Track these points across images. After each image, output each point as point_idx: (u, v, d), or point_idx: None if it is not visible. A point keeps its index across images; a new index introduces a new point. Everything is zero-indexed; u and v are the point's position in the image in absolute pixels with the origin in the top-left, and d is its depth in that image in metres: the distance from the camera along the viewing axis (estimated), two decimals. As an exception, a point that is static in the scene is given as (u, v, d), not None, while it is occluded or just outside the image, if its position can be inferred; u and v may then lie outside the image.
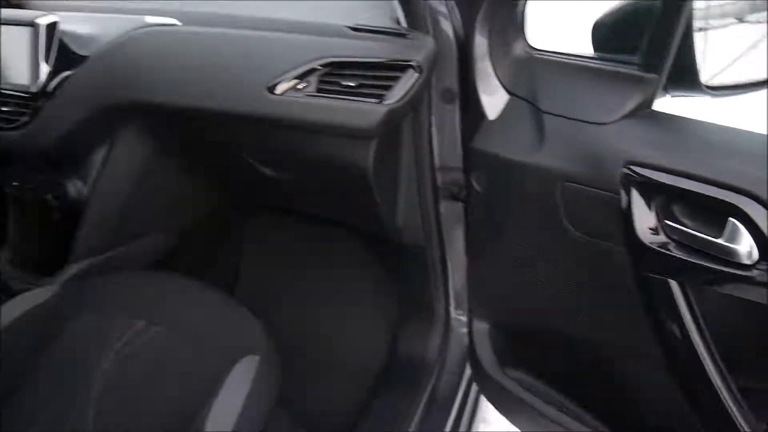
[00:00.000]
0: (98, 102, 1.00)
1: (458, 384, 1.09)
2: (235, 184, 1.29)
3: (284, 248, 1.49)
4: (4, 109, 1.03)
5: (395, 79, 0.81)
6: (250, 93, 0.88)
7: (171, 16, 0.98)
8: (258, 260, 1.50)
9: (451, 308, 1.08)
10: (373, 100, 0.81)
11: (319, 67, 0.83)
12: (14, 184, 1.18)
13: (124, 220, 1.14)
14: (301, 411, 1.17)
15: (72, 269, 1.12)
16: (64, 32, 0.98)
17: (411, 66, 0.81)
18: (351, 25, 0.87)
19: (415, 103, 0.87)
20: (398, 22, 0.88)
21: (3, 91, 1.03)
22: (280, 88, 0.86)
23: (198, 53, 0.94)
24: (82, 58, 0.99)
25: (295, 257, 1.47)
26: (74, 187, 1.09)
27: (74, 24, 1.00)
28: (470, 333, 1.07)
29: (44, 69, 0.98)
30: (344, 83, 0.83)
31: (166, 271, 1.07)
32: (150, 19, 0.98)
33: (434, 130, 0.93)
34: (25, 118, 1.02)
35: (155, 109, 0.99)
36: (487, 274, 1.01)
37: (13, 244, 1.25)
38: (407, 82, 0.81)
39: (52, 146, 1.04)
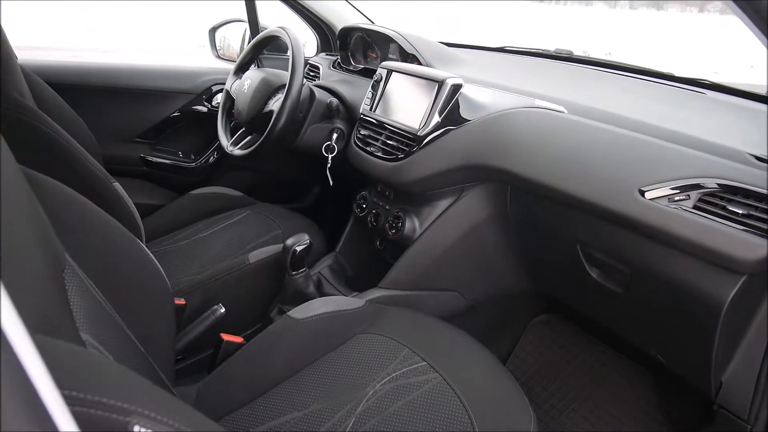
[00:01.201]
0: (465, 159, 1.10)
1: None
2: (546, 275, 1.27)
3: (561, 356, 1.42)
4: (389, 143, 1.21)
5: None
6: (619, 190, 0.86)
7: (560, 104, 1.03)
8: (529, 358, 1.45)
9: None
10: (761, 234, 0.72)
11: (710, 186, 0.77)
12: (363, 206, 1.36)
13: (436, 268, 1.21)
14: None
15: (378, 293, 1.22)
16: (462, 94, 1.12)
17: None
18: (755, 153, 0.78)
19: None
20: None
21: (392, 127, 1.22)
22: (652, 194, 0.82)
23: (575, 140, 0.96)
24: (465, 121, 1.11)
25: (571, 369, 1.38)
26: (411, 224, 1.21)
27: (473, 90, 1.13)
28: None
29: (435, 120, 1.12)
30: (731, 209, 0.75)
31: (455, 327, 1.08)
32: (540, 103, 1.05)
33: None
34: (401, 155, 1.17)
35: (513, 178, 1.04)
36: None
37: (338, 255, 1.43)
38: None
39: (411, 183, 1.17)
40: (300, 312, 1.03)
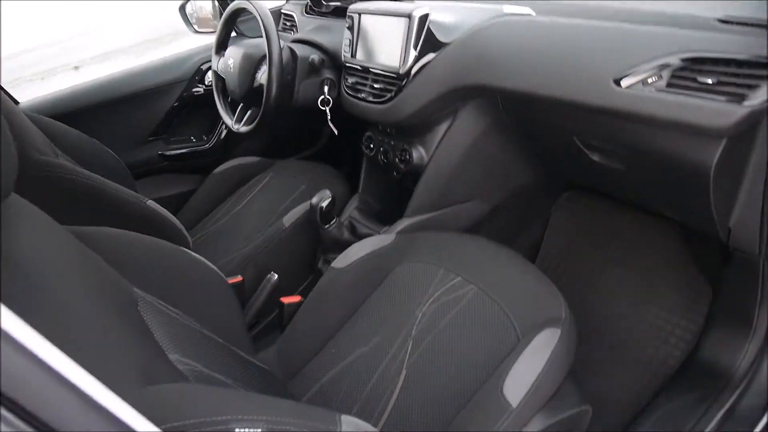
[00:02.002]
0: (450, 84, 1.15)
1: (765, 408, 0.97)
2: (553, 163, 1.34)
3: (589, 228, 1.51)
4: (376, 86, 1.26)
5: (762, 78, 0.74)
6: (596, 84, 0.90)
7: (527, 5, 1.05)
8: (560, 236, 1.55)
9: None
10: (732, 100, 0.76)
11: (676, 63, 0.81)
12: (371, 146, 1.44)
13: (451, 186, 1.30)
14: (587, 390, 1.20)
15: (405, 222, 1.33)
16: (431, 21, 1.15)
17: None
18: (721, 16, 0.80)
19: None
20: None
21: (376, 71, 1.26)
22: (626, 82, 0.86)
23: (548, 43, 0.99)
24: (443, 45, 1.14)
25: (599, 239, 1.48)
26: (418, 153, 1.29)
27: (440, 13, 1.16)
28: None
29: (412, 54, 1.16)
30: (701, 80, 0.79)
31: (479, 236, 1.18)
32: (507, 9, 1.07)
33: None
34: (390, 95, 1.23)
35: (499, 92, 1.09)
36: None
37: (362, 195, 1.53)
38: None
39: (406, 118, 1.24)
40: (341, 261, 1.15)
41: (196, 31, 1.89)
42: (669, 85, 0.82)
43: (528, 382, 0.84)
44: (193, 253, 0.99)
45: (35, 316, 0.38)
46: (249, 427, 0.48)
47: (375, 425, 0.92)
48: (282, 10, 1.82)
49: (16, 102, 1.57)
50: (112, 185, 1.07)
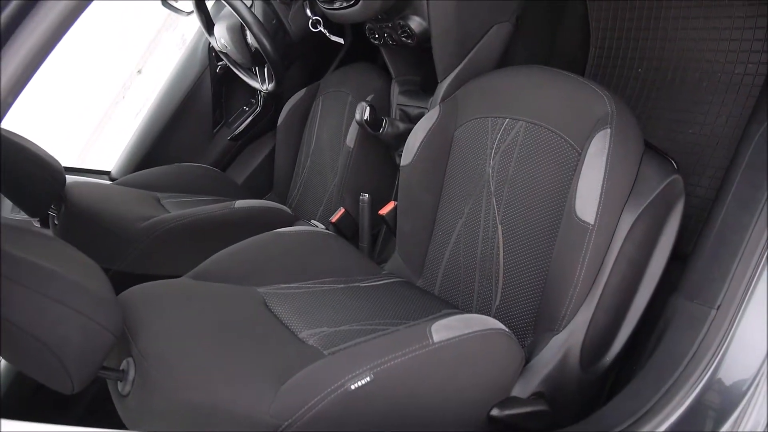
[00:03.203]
0: None
1: None
2: None
3: None
4: None
5: None
6: None
7: None
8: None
9: None
10: None
11: None
12: (375, 36, 1.43)
13: (463, 27, 1.24)
14: None
15: (444, 85, 1.31)
16: None
17: None
18: None
19: None
20: None
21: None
22: None
23: None
24: None
25: None
26: (415, 23, 1.26)
27: None
28: None
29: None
30: None
31: (512, 67, 1.17)
32: None
33: None
34: None
35: None
36: None
37: (398, 79, 1.53)
38: None
39: (380, 7, 1.21)
40: (406, 157, 1.22)
41: (178, 10, 1.92)
42: None
43: (595, 198, 0.87)
44: (292, 229, 1.15)
45: None
46: (360, 380, 0.65)
47: (495, 286, 1.05)
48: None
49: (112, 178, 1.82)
50: (204, 213, 1.27)
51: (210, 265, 1.02)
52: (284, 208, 1.41)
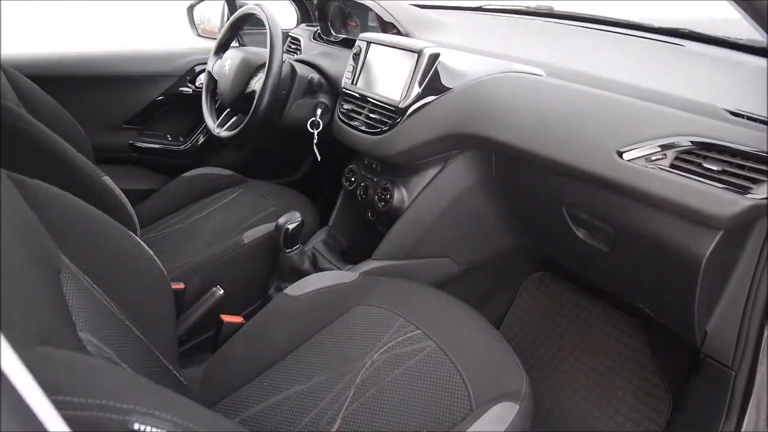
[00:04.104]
0: (447, 129, 1.10)
1: None
2: (535, 234, 1.29)
3: (555, 314, 1.46)
4: (372, 116, 1.22)
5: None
6: (598, 153, 0.87)
7: (539, 66, 1.03)
8: (524, 315, 1.49)
9: None
10: (735, 190, 0.74)
11: (685, 144, 0.78)
12: (352, 179, 1.38)
13: (427, 236, 1.24)
14: None
15: (371, 264, 1.25)
16: (441, 63, 1.12)
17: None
18: (730, 108, 0.79)
19: None
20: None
21: (374, 101, 1.22)
22: (629, 155, 0.83)
23: (554, 104, 0.96)
24: (447, 89, 1.11)
25: (563, 327, 1.42)
26: (399, 195, 1.22)
27: (451, 57, 1.13)
28: None
29: (415, 91, 1.12)
30: (706, 165, 0.77)
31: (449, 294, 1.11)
32: (518, 67, 1.05)
33: None
34: (384, 128, 1.18)
35: (496, 145, 1.05)
36: None
37: (331, 229, 1.45)
38: None
39: (396, 155, 1.18)
40: (295, 289, 1.06)
41: (199, 35, 1.85)
42: (673, 165, 0.80)
43: None
44: (138, 239, 0.89)
45: None
46: (152, 426, 0.38)
47: None
48: (290, 33, 1.79)
49: None
50: (71, 149, 0.98)
51: (37, 185, 0.74)
52: (136, 223, 1.12)
